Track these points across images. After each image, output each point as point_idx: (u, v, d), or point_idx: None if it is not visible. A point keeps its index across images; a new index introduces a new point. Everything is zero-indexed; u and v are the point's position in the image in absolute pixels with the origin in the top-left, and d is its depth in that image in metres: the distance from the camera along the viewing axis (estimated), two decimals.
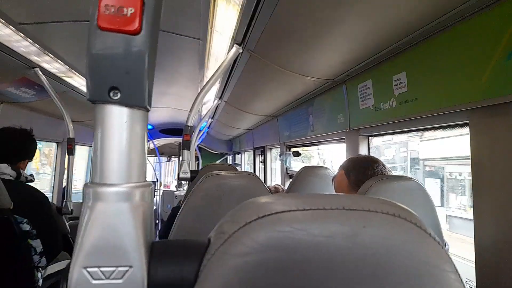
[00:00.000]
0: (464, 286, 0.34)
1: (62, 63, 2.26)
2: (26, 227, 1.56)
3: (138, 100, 0.32)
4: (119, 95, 0.31)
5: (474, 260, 1.12)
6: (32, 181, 1.77)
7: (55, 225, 1.79)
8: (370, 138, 1.84)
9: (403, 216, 0.34)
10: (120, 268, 0.31)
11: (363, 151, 1.82)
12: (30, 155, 1.84)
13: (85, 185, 0.32)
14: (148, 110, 0.34)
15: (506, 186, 1.01)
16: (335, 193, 1.59)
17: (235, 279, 0.30)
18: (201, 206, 1.06)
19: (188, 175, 1.84)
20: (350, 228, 0.32)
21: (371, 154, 1.83)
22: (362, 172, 1.23)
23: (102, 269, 0.31)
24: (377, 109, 1.57)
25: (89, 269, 0.31)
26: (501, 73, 0.97)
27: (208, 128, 5.64)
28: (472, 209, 1.14)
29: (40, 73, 2.27)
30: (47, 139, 3.48)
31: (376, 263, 0.32)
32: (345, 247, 0.32)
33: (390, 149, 3.08)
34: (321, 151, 3.36)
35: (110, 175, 0.32)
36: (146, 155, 0.35)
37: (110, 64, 0.31)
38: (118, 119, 0.32)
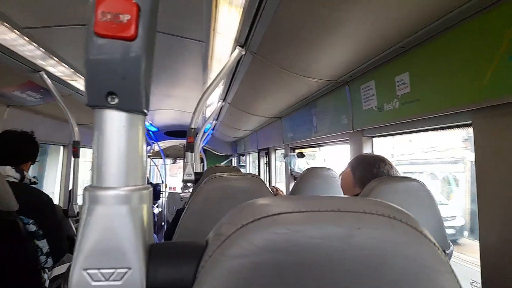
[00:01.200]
0: (460, 286, 0.35)
1: (67, 66, 2.29)
2: (32, 227, 1.59)
3: (135, 105, 0.33)
4: (116, 100, 0.32)
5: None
6: (36, 183, 1.79)
7: (60, 226, 1.82)
8: (374, 138, 1.83)
9: (398, 217, 0.34)
10: (119, 270, 0.31)
11: (367, 151, 1.82)
12: (32, 158, 1.87)
13: (85, 188, 0.33)
14: (145, 114, 0.35)
15: (511, 186, 1.00)
16: (339, 193, 1.60)
17: (232, 280, 0.31)
18: (204, 208, 1.07)
19: (192, 177, 1.85)
20: (345, 230, 0.32)
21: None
22: (368, 170, 1.23)
23: (102, 270, 0.31)
24: (380, 110, 1.57)
25: (89, 271, 0.31)
26: (502, 74, 0.97)
27: (213, 130, 5.66)
28: None
29: (45, 76, 2.30)
30: (53, 142, 3.51)
31: (371, 264, 0.32)
32: (340, 248, 0.32)
33: None
34: (321, 151, 3.37)
35: (109, 179, 0.33)
36: (145, 159, 0.36)
37: (107, 70, 0.31)
38: (116, 124, 0.33)
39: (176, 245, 0.36)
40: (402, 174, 1.29)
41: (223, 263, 0.31)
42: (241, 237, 0.32)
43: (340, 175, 1.40)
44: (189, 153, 1.92)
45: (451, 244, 1.15)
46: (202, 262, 0.33)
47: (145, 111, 0.34)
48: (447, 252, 1.12)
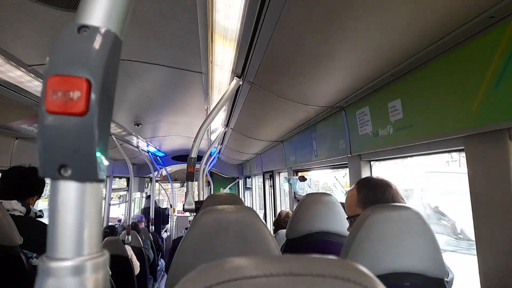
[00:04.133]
0: None
1: None
2: (36, 262, 1.60)
3: (89, 175, 0.33)
4: (69, 172, 0.33)
5: None
6: (41, 216, 1.81)
7: None
8: (372, 163, 1.84)
9: (352, 279, 0.34)
10: None
11: (365, 175, 1.82)
12: (39, 192, 1.90)
13: (39, 259, 0.33)
14: (102, 181, 0.35)
15: (505, 214, 0.99)
16: (339, 217, 1.59)
17: None
18: (199, 241, 1.07)
19: (193, 206, 1.86)
20: None
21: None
22: (372, 193, 1.23)
23: None
24: (376, 135, 1.58)
25: None
26: (490, 101, 0.98)
27: (219, 153, 5.69)
28: None
29: None
30: None
31: None
32: None
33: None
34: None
35: (62, 249, 0.33)
36: (101, 225, 0.36)
37: (59, 144, 0.32)
38: (70, 194, 0.33)
39: None
40: (406, 202, 1.28)
41: None
42: None
43: (346, 193, 1.41)
44: (189, 182, 1.94)
45: (450, 271, 1.13)
46: None
47: (101, 178, 0.34)
48: (447, 280, 1.10)
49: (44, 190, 1.96)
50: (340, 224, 1.59)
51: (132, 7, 0.33)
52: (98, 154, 0.33)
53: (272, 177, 4.36)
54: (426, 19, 1.02)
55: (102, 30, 0.33)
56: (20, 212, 1.68)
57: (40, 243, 1.64)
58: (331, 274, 0.34)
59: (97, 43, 0.32)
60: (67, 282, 0.32)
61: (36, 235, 1.67)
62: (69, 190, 0.33)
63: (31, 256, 1.59)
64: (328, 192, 1.83)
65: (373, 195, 1.22)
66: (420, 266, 1.02)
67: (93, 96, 0.32)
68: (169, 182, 7.69)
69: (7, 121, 2.44)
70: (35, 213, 1.78)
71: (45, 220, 1.86)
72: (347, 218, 1.35)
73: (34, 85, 2.04)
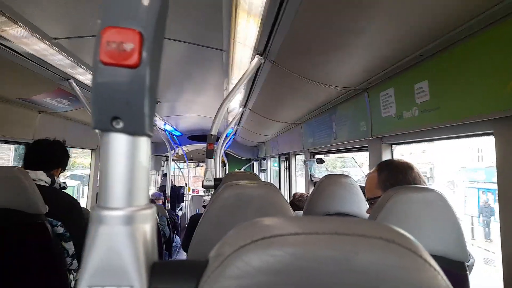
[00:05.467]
0: None
1: None
2: (60, 229, 1.66)
3: (139, 128, 0.34)
4: (121, 124, 0.34)
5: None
6: (65, 188, 1.87)
7: (86, 229, 1.88)
8: (393, 146, 1.81)
9: (397, 241, 0.34)
10: None
11: (385, 158, 1.79)
12: (63, 164, 1.95)
13: (92, 208, 0.35)
14: (150, 136, 0.36)
15: None
16: (357, 200, 1.58)
17: None
18: (220, 216, 1.09)
19: (212, 183, 1.88)
20: (342, 254, 0.32)
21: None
22: (394, 175, 1.22)
23: None
24: (400, 117, 1.55)
25: None
26: None
27: (235, 134, 5.71)
28: None
29: (74, 84, 2.40)
30: (82, 146, 3.64)
31: None
32: (336, 272, 0.32)
33: None
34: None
35: (113, 200, 0.35)
36: (149, 178, 0.38)
37: (112, 96, 0.33)
38: (121, 146, 0.35)
39: (178, 264, 0.38)
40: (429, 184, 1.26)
41: (221, 283, 0.33)
42: (238, 258, 0.33)
43: (366, 176, 1.39)
44: (209, 159, 1.95)
45: (472, 255, 1.12)
46: (201, 282, 0.34)
47: (149, 133, 0.36)
48: (467, 264, 1.09)
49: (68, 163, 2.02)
50: (358, 206, 1.58)
51: None
52: (146, 108, 0.34)
53: (288, 160, 4.36)
54: None
55: None
56: (45, 182, 1.73)
57: (63, 213, 1.70)
58: (375, 235, 0.34)
59: None
60: (118, 230, 0.34)
61: (61, 205, 1.72)
62: (120, 142, 0.34)
63: (55, 224, 1.64)
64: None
65: (394, 177, 1.21)
66: (442, 248, 1.01)
67: (145, 49, 0.33)
68: (184, 162, 7.78)
69: (30, 95, 2.48)
70: (59, 184, 1.83)
71: (68, 191, 1.92)
72: (367, 200, 1.34)
73: (57, 58, 2.06)
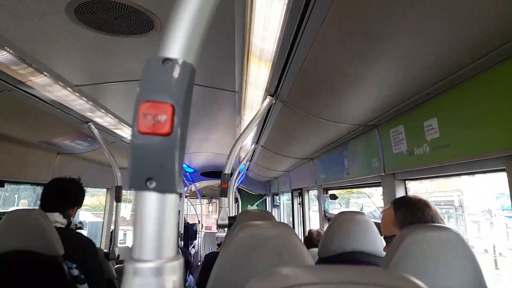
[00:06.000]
0: None
1: (112, 117, 2.48)
2: (75, 272, 1.66)
3: (170, 188, 0.38)
4: (154, 184, 0.38)
5: None
6: (81, 228, 1.89)
7: (101, 270, 1.88)
8: (406, 182, 1.81)
9: None
10: None
11: (399, 195, 1.79)
12: (79, 202, 1.98)
13: (126, 261, 0.39)
14: (179, 193, 0.41)
15: None
16: (372, 237, 1.57)
17: None
18: (236, 257, 1.10)
19: (226, 222, 1.89)
20: None
21: None
22: (411, 213, 1.21)
23: None
24: (411, 153, 1.57)
25: None
26: None
27: (247, 170, 5.73)
28: None
29: (93, 126, 2.50)
30: (98, 185, 3.70)
31: None
32: None
33: None
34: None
35: (146, 252, 0.38)
36: (177, 232, 0.41)
37: (147, 160, 0.38)
38: (153, 203, 0.38)
39: None
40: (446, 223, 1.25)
41: None
42: None
43: (382, 212, 1.39)
44: (223, 198, 1.98)
45: None
46: None
47: (179, 190, 0.40)
48: None
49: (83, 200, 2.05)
50: (374, 244, 1.56)
51: (204, 40, 0.38)
52: (177, 169, 0.38)
53: (301, 195, 4.34)
54: (466, 37, 1.01)
55: (181, 62, 0.38)
56: (62, 224, 1.75)
57: (79, 254, 1.71)
58: (388, 284, 0.36)
59: (178, 73, 0.38)
60: (150, 281, 0.37)
61: (77, 246, 1.73)
62: (152, 200, 0.38)
63: (71, 266, 1.64)
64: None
65: (411, 215, 1.20)
66: None
67: (176, 119, 0.38)
68: (197, 198, 7.78)
69: (51, 138, 2.58)
70: (75, 225, 1.85)
71: (84, 232, 1.94)
72: (384, 238, 1.33)
73: (78, 103, 2.16)
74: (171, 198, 0.39)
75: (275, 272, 0.39)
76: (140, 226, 0.38)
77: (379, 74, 1.31)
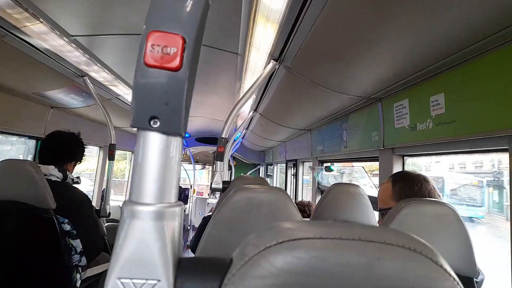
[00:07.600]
0: None
1: (109, 72, 2.41)
2: (67, 227, 1.65)
3: (175, 128, 0.36)
4: (158, 124, 0.35)
5: None
6: (78, 183, 1.86)
7: (96, 226, 1.87)
8: (405, 157, 1.80)
9: (418, 250, 0.35)
10: (149, 281, 0.34)
11: (396, 170, 1.78)
12: (78, 158, 1.95)
13: (124, 202, 0.37)
14: (183, 137, 0.38)
15: None
16: (366, 210, 1.57)
17: None
18: (230, 219, 1.09)
19: (220, 186, 1.88)
20: (366, 259, 0.33)
21: None
22: (409, 186, 1.21)
23: (134, 280, 0.34)
24: (413, 129, 1.54)
25: (122, 280, 0.34)
26: None
27: (242, 138, 5.72)
28: None
29: (88, 81, 2.43)
30: (91, 143, 3.67)
31: None
32: (360, 277, 0.33)
33: None
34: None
35: (146, 196, 0.36)
36: (179, 177, 0.39)
37: (152, 96, 0.35)
38: (156, 145, 0.36)
39: (203, 260, 0.39)
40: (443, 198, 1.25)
41: (245, 282, 0.33)
42: (263, 259, 0.34)
43: (379, 186, 1.39)
44: (219, 162, 1.96)
45: (481, 272, 1.11)
46: (225, 279, 0.35)
47: (183, 133, 0.37)
48: (476, 280, 1.08)
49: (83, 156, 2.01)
50: (367, 216, 1.57)
51: None
52: (183, 109, 0.35)
53: (295, 166, 4.35)
54: (480, 14, 0.97)
55: None
56: (57, 177, 1.73)
57: (72, 209, 1.69)
58: (398, 243, 0.35)
59: (192, 4, 0.35)
60: (150, 225, 0.35)
61: (71, 200, 1.72)
62: (155, 141, 0.36)
63: (62, 221, 1.63)
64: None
65: (409, 189, 1.20)
66: (450, 263, 1.00)
67: (186, 53, 0.35)
68: (190, 163, 7.80)
69: (45, 90, 2.52)
70: (72, 179, 1.82)
71: (81, 186, 1.92)
72: (379, 211, 1.33)
73: (74, 55, 2.09)
74: (176, 140, 0.37)
75: (279, 225, 0.37)
76: (141, 168, 0.36)
77: (390, 43, 1.26)
